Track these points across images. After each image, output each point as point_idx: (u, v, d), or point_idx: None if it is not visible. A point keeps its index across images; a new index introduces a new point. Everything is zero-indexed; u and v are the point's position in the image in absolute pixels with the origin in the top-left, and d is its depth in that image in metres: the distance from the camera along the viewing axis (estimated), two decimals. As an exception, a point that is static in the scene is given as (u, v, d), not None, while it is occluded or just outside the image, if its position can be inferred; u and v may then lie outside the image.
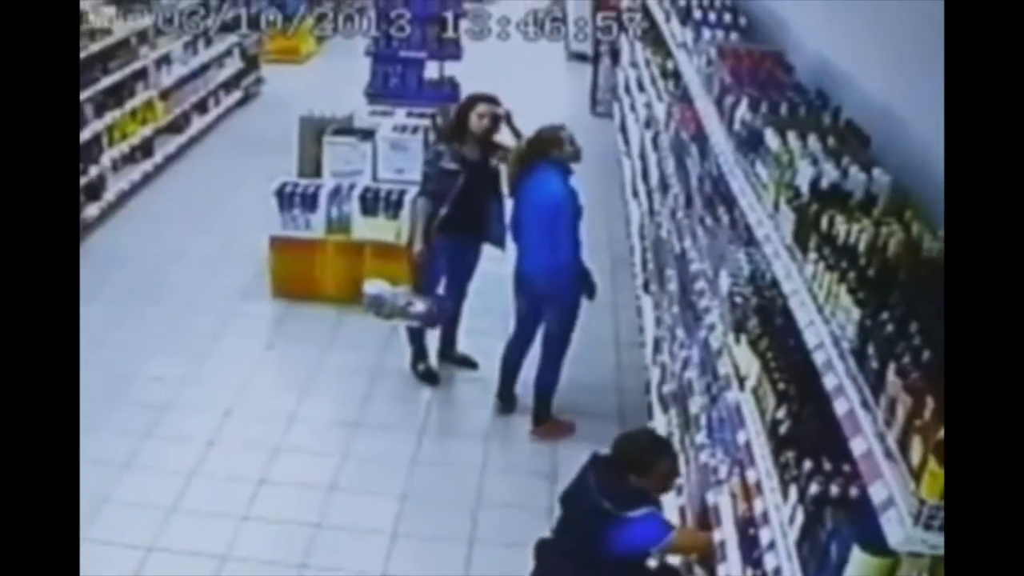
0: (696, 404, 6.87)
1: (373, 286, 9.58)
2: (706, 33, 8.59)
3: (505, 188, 9.25)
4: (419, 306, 9.44)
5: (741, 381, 5.64)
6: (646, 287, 10.62)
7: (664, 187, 10.06)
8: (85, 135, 12.89)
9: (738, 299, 6.12)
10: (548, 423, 9.28)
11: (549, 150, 8.90)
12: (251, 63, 19.97)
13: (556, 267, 8.82)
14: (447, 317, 9.86)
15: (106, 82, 13.56)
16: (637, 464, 5.93)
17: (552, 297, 9.03)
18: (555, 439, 9.10)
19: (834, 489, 4.15)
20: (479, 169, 9.37)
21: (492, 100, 9.58)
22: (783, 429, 4.80)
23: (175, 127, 16.15)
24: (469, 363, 10.19)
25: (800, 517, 4.28)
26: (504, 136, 9.58)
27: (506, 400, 9.52)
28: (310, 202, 11.27)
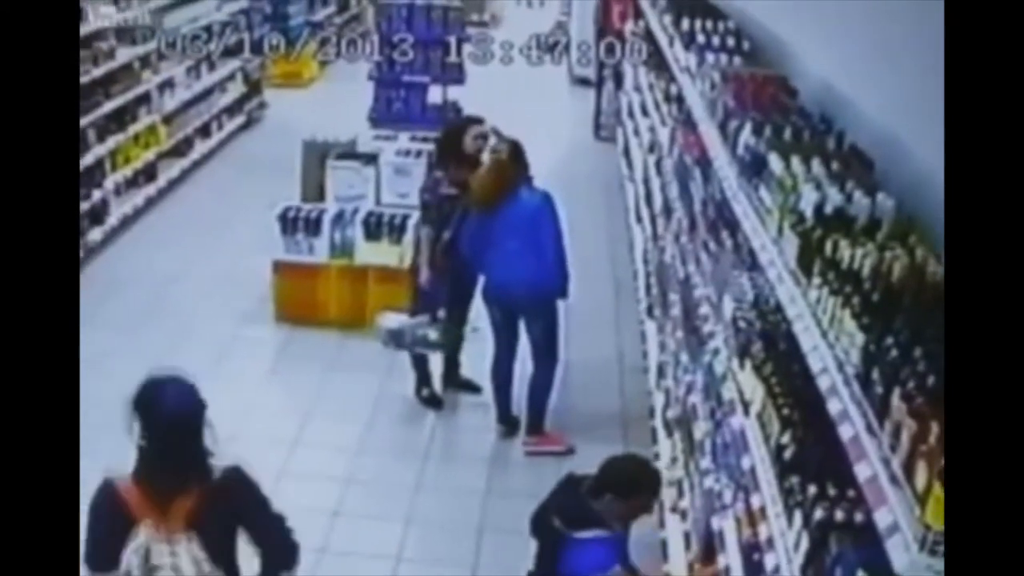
0: (700, 429, 6.87)
1: (391, 320, 9.60)
2: (709, 57, 8.60)
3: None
4: (434, 334, 9.45)
5: (746, 406, 5.63)
6: (650, 312, 10.61)
7: (668, 212, 10.07)
8: (88, 160, 12.91)
9: (742, 324, 6.12)
10: (542, 434, 9.31)
11: (524, 173, 9.00)
12: (254, 87, 20.01)
13: (539, 278, 8.95)
14: (455, 342, 9.87)
15: (109, 107, 13.59)
16: (621, 486, 5.90)
17: (532, 308, 9.15)
18: (549, 451, 9.13)
19: (839, 514, 4.15)
20: None
21: (480, 121, 9.76)
22: (788, 454, 4.79)
23: (178, 151, 16.16)
24: (472, 387, 10.17)
25: (805, 542, 4.27)
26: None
27: (508, 423, 9.52)
28: (313, 226, 11.28)
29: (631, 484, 5.95)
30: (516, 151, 9.04)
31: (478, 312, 9.85)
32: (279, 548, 5.24)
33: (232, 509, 5.14)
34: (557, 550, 5.81)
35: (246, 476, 5.26)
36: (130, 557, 4.98)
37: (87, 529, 4.82)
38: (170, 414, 5.24)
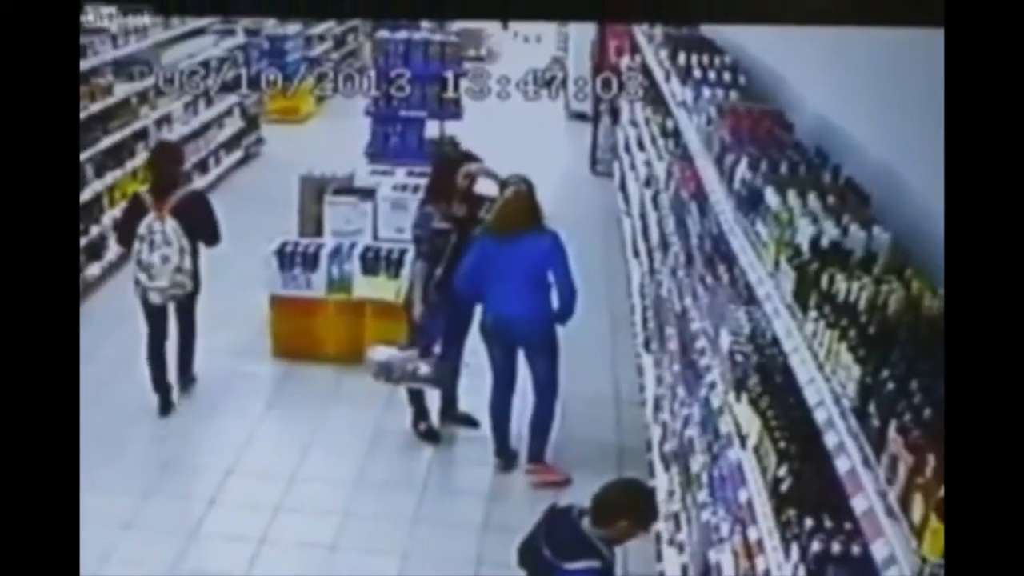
0: (698, 462, 6.87)
1: (380, 353, 9.60)
2: (706, 92, 8.63)
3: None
4: (425, 368, 9.46)
5: (742, 439, 5.64)
6: (647, 346, 10.62)
7: (664, 246, 10.08)
8: (86, 195, 12.96)
9: (739, 357, 6.13)
10: (543, 465, 9.36)
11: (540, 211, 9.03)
12: (251, 123, 20.07)
13: (542, 314, 9.05)
14: (449, 377, 9.87)
15: (106, 142, 13.63)
16: (613, 508, 6.01)
17: (534, 342, 9.18)
18: (551, 483, 9.11)
19: (836, 547, 4.16)
20: (469, 225, 9.41)
21: (472, 157, 9.84)
22: (785, 487, 4.80)
23: (176, 187, 16.12)
24: (470, 422, 10.17)
25: (802, 575, 4.27)
26: (481, 187, 9.82)
27: (504, 456, 9.53)
28: (311, 261, 11.30)
29: (631, 503, 6.07)
30: (531, 188, 9.09)
31: (470, 348, 9.87)
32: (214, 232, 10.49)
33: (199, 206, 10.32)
34: None
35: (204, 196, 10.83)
36: (140, 231, 9.98)
37: (120, 223, 10.93)
38: None
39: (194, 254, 10.17)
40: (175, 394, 10.63)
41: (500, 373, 9.43)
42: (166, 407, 10.46)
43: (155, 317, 10.42)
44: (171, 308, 10.44)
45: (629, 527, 6.06)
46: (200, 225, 10.22)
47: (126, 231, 10.32)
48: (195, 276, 10.25)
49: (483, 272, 9.07)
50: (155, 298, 10.19)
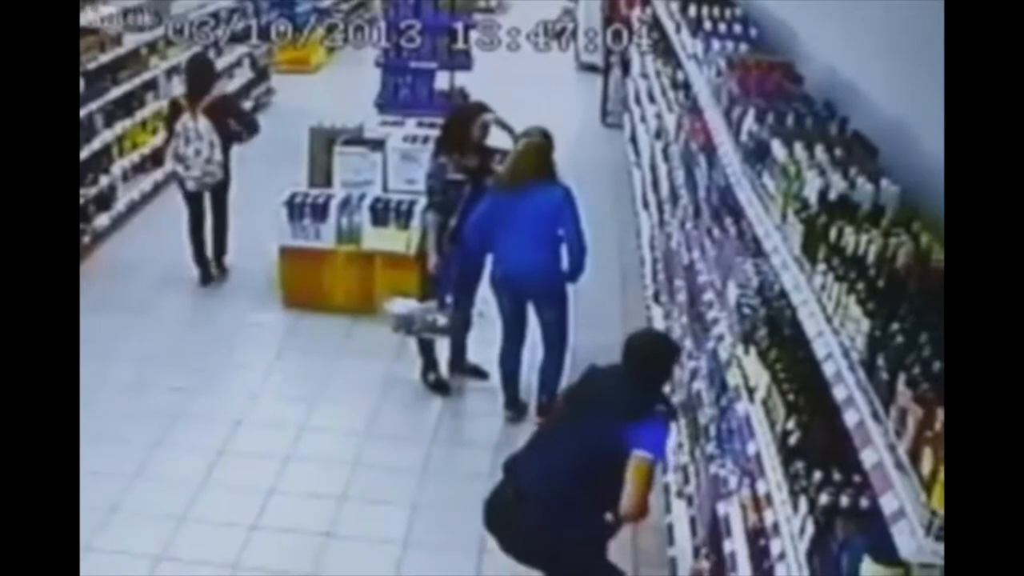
0: (705, 415, 6.88)
1: (399, 305, 9.61)
2: (716, 44, 8.61)
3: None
4: (443, 320, 9.48)
5: (750, 392, 5.64)
6: (656, 298, 10.62)
7: (674, 198, 10.07)
8: (95, 145, 12.95)
9: (746, 310, 6.14)
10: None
11: (554, 165, 8.99)
12: (261, 74, 20.02)
13: (552, 266, 9.01)
14: (461, 327, 9.88)
15: (116, 92, 13.59)
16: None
17: (543, 294, 9.18)
18: None
19: (844, 500, 4.16)
20: (482, 176, 9.40)
21: (486, 108, 9.80)
22: (793, 440, 4.81)
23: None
24: (479, 373, 10.19)
25: (811, 528, 4.28)
26: (494, 139, 9.80)
27: (514, 408, 9.54)
28: (320, 212, 11.29)
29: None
30: (548, 141, 9.07)
31: (483, 298, 9.86)
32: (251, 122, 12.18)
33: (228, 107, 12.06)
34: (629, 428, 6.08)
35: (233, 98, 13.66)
36: (176, 128, 11.58)
37: (167, 116, 12.13)
38: None
39: (225, 149, 11.81)
40: (213, 268, 12.36)
41: (510, 324, 9.43)
42: (206, 278, 12.26)
43: (192, 202, 12.12)
44: (207, 196, 12.13)
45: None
46: (235, 119, 12.16)
47: (167, 126, 12.01)
48: (225, 168, 11.88)
49: (493, 223, 9.05)
50: (191, 185, 11.90)
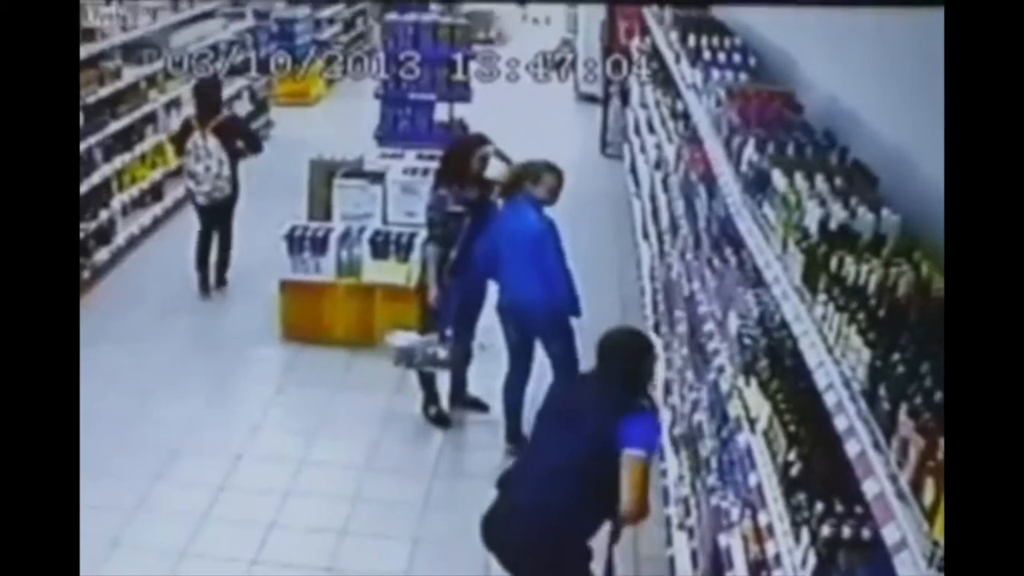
0: (707, 447, 6.85)
1: (400, 338, 9.59)
2: (715, 74, 8.61)
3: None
4: (443, 353, 9.47)
5: (752, 423, 5.62)
6: (656, 329, 10.60)
7: (674, 229, 10.06)
8: (95, 179, 12.98)
9: (747, 340, 6.12)
10: None
11: (523, 182, 8.99)
12: (261, 106, 20.08)
13: (549, 298, 8.95)
14: (461, 360, 9.87)
15: (115, 126, 13.63)
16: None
17: (548, 328, 9.14)
18: None
19: (846, 531, 4.14)
20: (481, 207, 9.40)
21: (485, 140, 9.82)
22: (794, 471, 4.79)
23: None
24: (480, 406, 10.16)
25: (813, 560, 4.26)
26: (492, 171, 9.75)
27: (516, 441, 9.49)
28: (320, 245, 11.29)
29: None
30: (560, 176, 9.09)
31: (484, 330, 9.85)
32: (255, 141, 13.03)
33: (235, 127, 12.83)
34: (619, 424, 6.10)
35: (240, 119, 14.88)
36: (188, 147, 12.34)
37: (178, 135, 12.92)
38: None
39: (233, 166, 12.62)
40: (212, 279, 12.92)
41: (516, 354, 9.40)
42: (204, 286, 12.85)
43: (203, 215, 12.86)
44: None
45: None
46: (241, 139, 12.94)
47: (179, 146, 12.87)
48: (233, 183, 12.67)
49: (490, 255, 9.07)
50: (201, 200, 12.67)
